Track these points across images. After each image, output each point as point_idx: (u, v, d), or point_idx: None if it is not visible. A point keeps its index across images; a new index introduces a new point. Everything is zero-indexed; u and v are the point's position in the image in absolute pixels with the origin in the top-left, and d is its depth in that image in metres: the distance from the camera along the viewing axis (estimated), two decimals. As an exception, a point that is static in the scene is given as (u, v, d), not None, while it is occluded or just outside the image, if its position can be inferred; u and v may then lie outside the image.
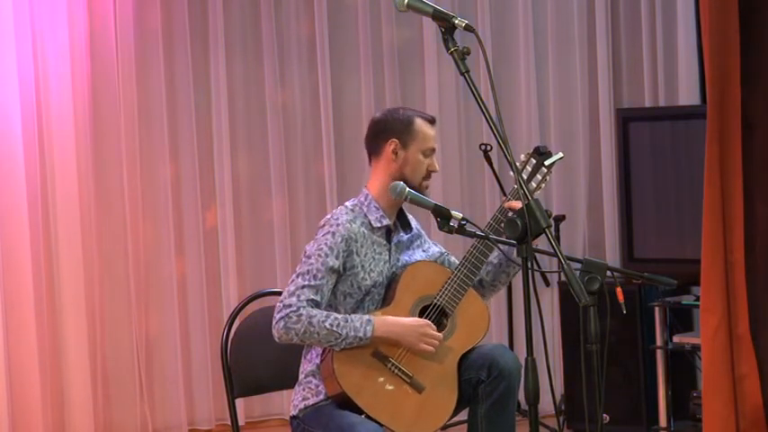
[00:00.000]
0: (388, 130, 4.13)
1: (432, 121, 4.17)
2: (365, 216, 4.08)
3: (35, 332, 6.10)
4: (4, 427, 5.95)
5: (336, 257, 3.98)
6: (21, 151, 6.08)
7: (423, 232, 4.28)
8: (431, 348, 4.00)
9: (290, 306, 3.93)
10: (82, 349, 6.25)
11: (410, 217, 4.25)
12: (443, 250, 4.28)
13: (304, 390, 4.06)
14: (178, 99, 6.65)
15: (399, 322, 4.01)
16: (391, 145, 4.10)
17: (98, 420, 6.32)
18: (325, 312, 3.95)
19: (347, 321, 3.95)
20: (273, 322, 3.95)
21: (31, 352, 6.09)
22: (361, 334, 3.95)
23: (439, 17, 3.27)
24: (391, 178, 4.06)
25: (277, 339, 3.97)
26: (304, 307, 3.92)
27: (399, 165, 4.10)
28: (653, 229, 6.10)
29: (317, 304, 3.95)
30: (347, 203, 4.13)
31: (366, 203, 4.10)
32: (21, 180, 6.09)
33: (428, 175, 4.13)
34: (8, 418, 5.99)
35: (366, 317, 3.98)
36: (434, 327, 4.03)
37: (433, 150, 4.14)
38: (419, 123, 4.12)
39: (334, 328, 3.92)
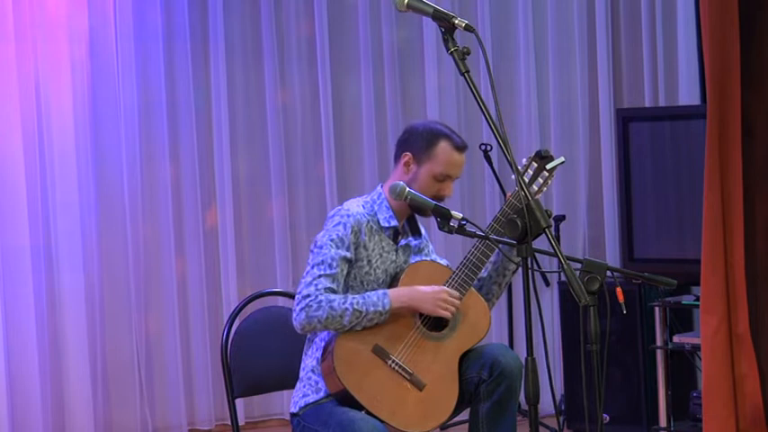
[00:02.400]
0: (409, 142, 4.13)
1: (459, 149, 4.11)
2: (375, 214, 4.10)
3: (35, 332, 6.10)
4: (4, 427, 5.95)
5: (347, 249, 4.01)
6: (21, 151, 6.08)
7: (430, 243, 4.29)
8: (448, 314, 4.01)
9: (308, 296, 3.94)
10: (82, 349, 6.25)
11: (421, 227, 4.25)
12: (447, 263, 4.28)
13: (305, 386, 4.07)
14: (178, 99, 6.65)
15: (415, 289, 4.03)
16: (405, 157, 4.11)
17: (98, 420, 6.32)
18: (341, 295, 3.97)
19: (365, 299, 3.97)
20: (294, 314, 3.97)
21: (31, 352, 6.09)
22: (380, 308, 3.96)
23: (439, 17, 3.27)
24: None
25: (300, 330, 3.98)
26: (322, 294, 3.94)
27: (409, 179, 4.09)
28: (653, 229, 6.10)
29: (333, 293, 3.97)
30: (359, 198, 4.16)
31: (378, 202, 4.12)
32: (21, 180, 6.09)
33: (435, 199, 4.00)
34: (8, 418, 5.99)
35: (381, 291, 4.01)
36: (454, 292, 4.02)
37: (449, 177, 4.09)
38: (442, 146, 4.09)
39: (356, 307, 3.94)
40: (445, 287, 4.03)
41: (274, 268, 6.79)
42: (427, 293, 4.02)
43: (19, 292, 6.08)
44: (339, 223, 4.03)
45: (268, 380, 4.33)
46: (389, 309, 3.98)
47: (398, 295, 4.01)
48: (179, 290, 6.63)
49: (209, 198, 6.72)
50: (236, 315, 4.28)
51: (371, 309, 3.96)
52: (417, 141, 4.10)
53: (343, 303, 3.94)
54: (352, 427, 3.87)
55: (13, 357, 6.06)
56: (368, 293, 4.00)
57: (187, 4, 6.62)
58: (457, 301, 4.02)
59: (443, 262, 4.25)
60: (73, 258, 6.25)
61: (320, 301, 3.94)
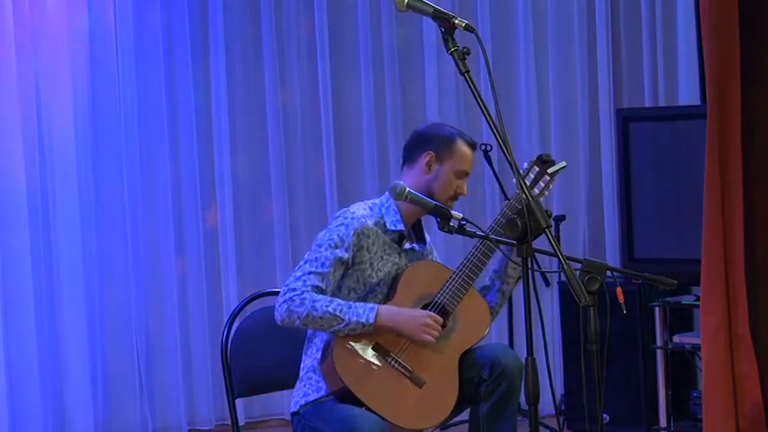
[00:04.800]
0: (427, 142, 4.16)
1: (472, 146, 4.19)
2: (381, 217, 4.11)
3: (35, 332, 6.10)
4: (4, 427, 5.95)
5: (346, 250, 4.01)
6: (21, 151, 6.09)
7: (434, 249, 4.29)
8: (431, 339, 4.01)
9: (294, 290, 3.95)
10: (82, 349, 6.25)
11: (426, 235, 4.26)
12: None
13: (305, 386, 4.07)
14: (178, 99, 6.65)
15: (402, 311, 4.03)
16: (427, 157, 4.13)
17: (98, 420, 6.32)
18: (329, 297, 3.97)
19: (350, 308, 3.97)
20: (277, 305, 3.98)
21: (31, 352, 6.10)
22: (363, 320, 3.96)
23: (439, 17, 3.27)
24: (418, 189, 4.05)
25: (279, 322, 3.98)
26: (308, 291, 3.95)
27: (430, 178, 4.13)
28: (653, 229, 6.10)
29: (321, 291, 3.97)
30: (366, 201, 4.18)
31: (387, 205, 4.13)
32: (21, 180, 6.09)
33: (455, 197, 4.14)
34: (8, 418, 5.99)
35: (370, 304, 4.01)
36: (438, 318, 4.03)
37: (467, 174, 4.16)
38: (460, 143, 4.16)
39: (337, 313, 3.94)
40: (430, 312, 4.04)
41: (274, 268, 6.79)
42: (412, 316, 4.01)
43: (19, 293, 6.08)
44: (342, 224, 4.04)
45: (268, 380, 4.33)
46: (374, 323, 3.97)
47: (385, 312, 4.00)
48: (179, 290, 6.63)
49: (210, 198, 6.73)
50: (236, 315, 4.28)
51: (354, 318, 3.95)
52: (437, 141, 4.14)
53: (327, 306, 3.94)
54: (353, 422, 3.87)
55: (13, 357, 6.06)
56: (357, 303, 4.00)
57: (187, 4, 6.62)
58: (439, 327, 4.02)
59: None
60: (73, 258, 6.25)
61: (304, 298, 3.94)
